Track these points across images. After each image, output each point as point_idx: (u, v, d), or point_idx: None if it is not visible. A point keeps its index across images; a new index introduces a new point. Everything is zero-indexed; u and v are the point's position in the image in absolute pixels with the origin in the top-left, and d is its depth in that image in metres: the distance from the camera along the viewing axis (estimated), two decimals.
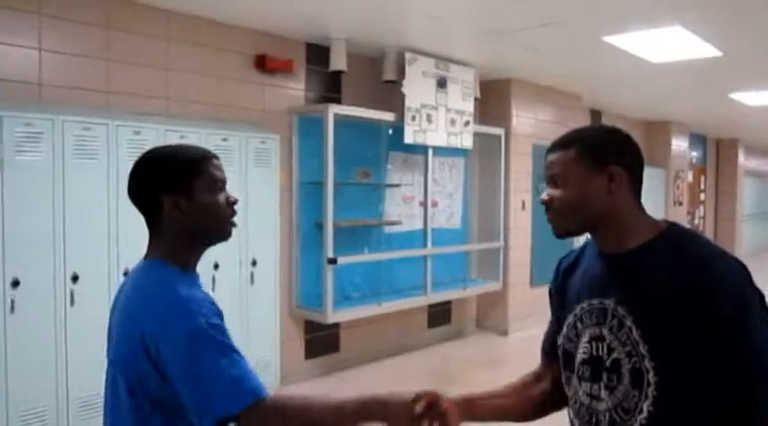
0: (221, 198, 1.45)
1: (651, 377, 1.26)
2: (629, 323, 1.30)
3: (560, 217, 1.41)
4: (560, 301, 1.52)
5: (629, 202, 1.36)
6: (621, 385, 1.31)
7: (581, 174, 1.36)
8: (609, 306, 1.35)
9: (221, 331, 1.31)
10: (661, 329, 1.26)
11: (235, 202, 1.48)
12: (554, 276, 1.59)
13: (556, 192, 1.40)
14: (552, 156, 1.43)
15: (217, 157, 1.49)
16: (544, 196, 1.43)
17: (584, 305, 1.41)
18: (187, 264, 1.47)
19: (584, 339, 1.39)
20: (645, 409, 1.27)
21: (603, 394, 1.34)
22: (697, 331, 1.22)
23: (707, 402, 1.23)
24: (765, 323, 1.24)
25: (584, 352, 1.39)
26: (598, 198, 1.35)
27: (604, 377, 1.34)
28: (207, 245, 1.51)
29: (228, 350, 1.30)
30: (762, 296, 1.27)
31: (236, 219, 1.50)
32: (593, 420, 1.36)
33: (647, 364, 1.26)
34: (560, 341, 1.47)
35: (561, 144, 1.43)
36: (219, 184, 1.45)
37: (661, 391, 1.25)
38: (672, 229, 1.36)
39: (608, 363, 1.33)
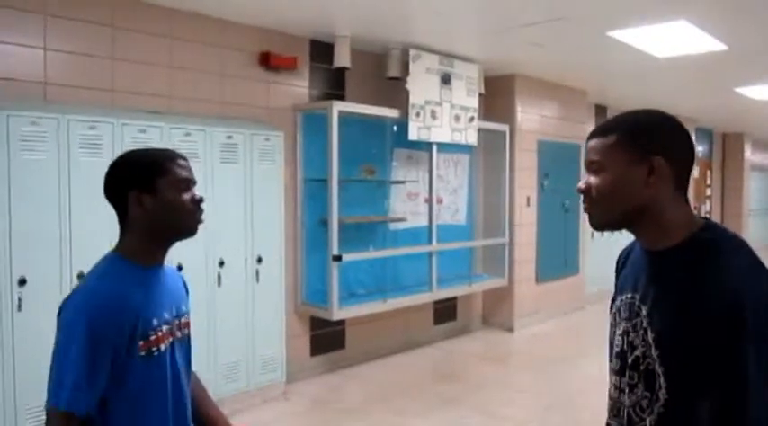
0: (186, 196, 1.53)
1: (662, 381, 1.23)
2: (645, 324, 1.28)
3: (596, 207, 1.34)
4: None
5: (668, 197, 1.28)
6: (640, 383, 1.29)
7: (619, 163, 1.29)
8: (635, 302, 1.33)
9: (93, 337, 1.37)
10: (671, 337, 1.22)
11: (200, 201, 1.57)
12: (615, 274, 1.53)
13: (593, 180, 1.33)
14: (592, 142, 1.35)
15: (184, 158, 1.58)
16: (581, 184, 1.36)
17: (623, 297, 1.39)
18: (150, 259, 1.56)
19: (618, 331, 1.38)
20: (655, 410, 1.25)
21: (627, 389, 1.32)
22: (704, 346, 1.17)
23: (712, 416, 1.18)
24: (764, 367, 1.15)
25: (617, 345, 1.38)
26: (635, 190, 1.28)
27: (627, 373, 1.32)
28: (171, 241, 1.59)
29: (77, 355, 1.36)
30: None
31: (203, 216, 1.59)
32: (619, 413, 1.36)
33: (658, 368, 1.24)
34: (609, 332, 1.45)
35: (603, 129, 1.35)
36: (184, 184, 1.54)
37: (671, 395, 1.22)
38: (703, 233, 1.28)
39: (630, 360, 1.31)
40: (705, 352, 1.16)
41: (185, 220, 1.55)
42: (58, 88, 3.79)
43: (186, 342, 1.65)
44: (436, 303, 6.42)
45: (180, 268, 3.95)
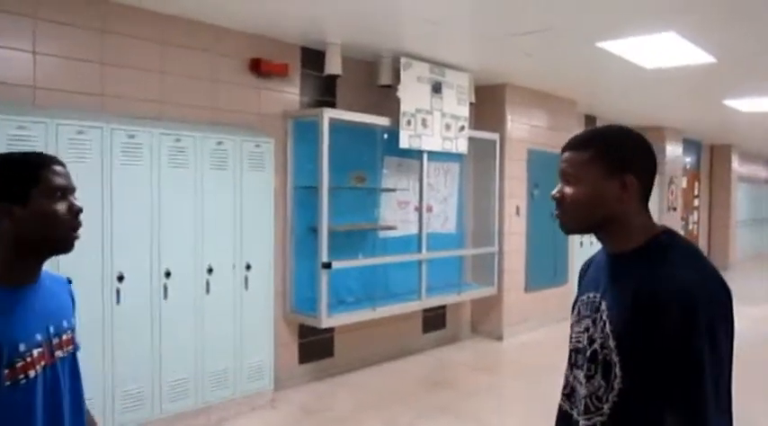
0: (61, 206, 1.41)
1: (617, 370, 1.32)
2: (604, 317, 1.38)
3: (569, 215, 1.44)
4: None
5: (635, 209, 1.40)
6: (597, 374, 1.38)
7: (594, 178, 1.39)
8: (596, 300, 1.43)
9: None
10: (625, 329, 1.33)
11: (79, 211, 1.44)
12: (578, 280, 1.63)
13: (567, 190, 1.43)
14: (568, 154, 1.45)
15: (61, 163, 1.45)
16: (555, 192, 1.46)
17: (584, 297, 1.49)
18: (18, 278, 1.41)
19: (579, 329, 1.47)
20: (610, 399, 1.34)
21: (584, 381, 1.41)
22: (654, 338, 1.27)
23: (663, 402, 1.26)
24: (716, 358, 1.25)
25: (577, 341, 1.47)
26: (608, 203, 1.39)
27: (585, 365, 1.41)
28: (43, 256, 1.45)
29: None
30: (726, 327, 1.28)
31: (80, 231, 1.46)
32: (577, 405, 1.44)
33: (615, 357, 1.33)
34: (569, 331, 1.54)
35: (578, 143, 1.45)
36: (60, 192, 1.41)
37: (625, 384, 1.31)
38: (660, 237, 1.40)
39: (588, 353, 1.41)
40: (659, 344, 1.26)
41: (59, 233, 1.41)
42: (47, 92, 3.77)
43: (70, 361, 1.52)
44: (425, 311, 6.41)
45: (168, 274, 3.94)
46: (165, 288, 3.95)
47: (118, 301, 3.71)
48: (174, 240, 3.99)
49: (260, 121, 4.89)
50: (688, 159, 12.33)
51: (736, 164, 14.00)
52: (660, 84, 6.73)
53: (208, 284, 4.20)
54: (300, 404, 4.84)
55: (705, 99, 7.87)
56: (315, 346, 5.41)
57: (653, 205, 9.43)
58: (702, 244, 13.43)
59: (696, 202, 13.10)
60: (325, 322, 4.98)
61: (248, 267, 4.46)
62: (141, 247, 3.84)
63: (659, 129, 10.40)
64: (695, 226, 13.03)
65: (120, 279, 3.72)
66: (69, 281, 1.65)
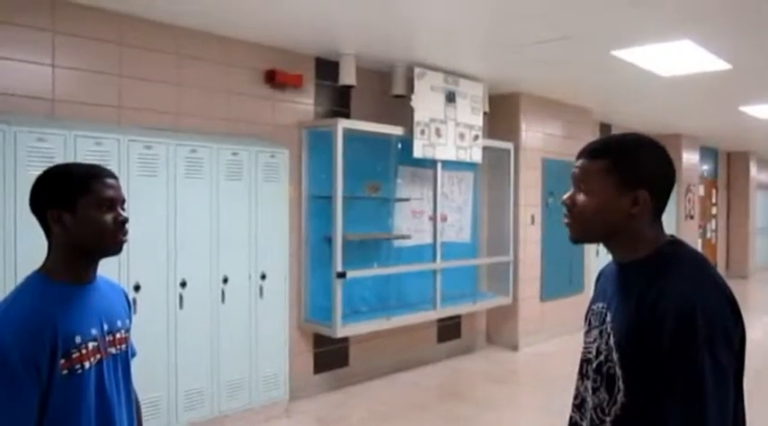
0: (108, 216, 1.51)
1: (620, 383, 1.30)
2: (609, 329, 1.36)
3: (578, 223, 1.42)
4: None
5: (647, 222, 1.37)
6: (602, 387, 1.36)
7: (607, 190, 1.36)
8: (603, 310, 1.41)
9: (8, 359, 1.34)
10: (628, 341, 1.30)
11: (124, 221, 1.54)
12: (594, 289, 1.61)
13: (578, 197, 1.40)
14: (582, 162, 1.41)
15: (112, 176, 1.56)
16: (566, 197, 1.43)
17: (594, 307, 1.47)
18: (75, 276, 1.54)
19: (589, 339, 1.46)
20: (612, 412, 1.32)
21: (591, 392, 1.40)
22: (654, 352, 1.24)
23: (665, 418, 1.23)
24: (718, 370, 1.21)
25: (587, 351, 1.45)
26: (618, 217, 1.36)
27: (592, 377, 1.40)
28: (94, 259, 1.57)
29: None
30: (729, 338, 1.24)
31: (127, 237, 1.57)
32: (585, 416, 1.42)
33: (618, 370, 1.31)
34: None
35: (593, 151, 1.41)
36: (107, 203, 1.51)
37: (628, 398, 1.29)
38: (664, 248, 1.36)
39: (595, 364, 1.39)
40: (660, 356, 1.23)
41: (105, 240, 1.52)
42: (65, 104, 3.82)
43: (123, 359, 1.62)
44: (440, 321, 6.39)
45: (183, 284, 3.96)
46: (181, 298, 3.98)
47: (134, 311, 3.74)
48: (190, 250, 4.02)
49: (275, 132, 4.92)
50: (705, 167, 12.22)
51: (753, 172, 13.84)
52: (676, 92, 6.69)
53: (223, 294, 4.22)
54: (315, 415, 4.83)
55: (721, 106, 7.81)
56: (330, 356, 5.42)
57: (670, 213, 9.33)
58: (721, 253, 13.28)
59: (714, 210, 12.97)
60: (340, 331, 4.98)
61: (263, 277, 4.48)
62: (157, 257, 3.87)
63: (675, 137, 10.32)
64: (713, 234, 12.89)
65: (137, 288, 3.75)
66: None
